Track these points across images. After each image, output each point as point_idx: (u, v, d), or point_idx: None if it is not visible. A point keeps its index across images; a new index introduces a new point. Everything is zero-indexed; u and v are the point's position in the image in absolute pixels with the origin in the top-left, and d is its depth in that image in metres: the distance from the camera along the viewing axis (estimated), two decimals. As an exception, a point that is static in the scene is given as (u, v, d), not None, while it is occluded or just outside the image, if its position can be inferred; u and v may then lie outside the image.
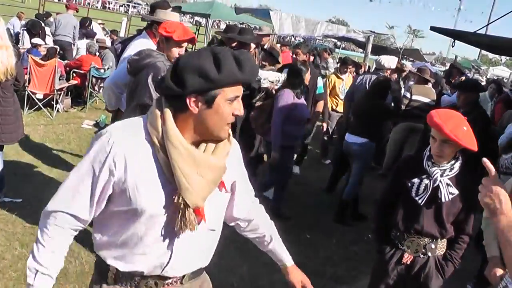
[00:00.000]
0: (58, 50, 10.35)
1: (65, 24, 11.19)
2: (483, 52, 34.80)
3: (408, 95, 7.62)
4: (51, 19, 13.44)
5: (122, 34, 18.14)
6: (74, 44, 11.29)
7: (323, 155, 8.96)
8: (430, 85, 8.06)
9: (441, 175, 2.93)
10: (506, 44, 6.13)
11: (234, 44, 6.65)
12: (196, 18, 27.05)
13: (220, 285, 4.31)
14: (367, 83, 6.81)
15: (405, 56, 25.58)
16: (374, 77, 6.86)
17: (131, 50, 4.35)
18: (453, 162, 2.95)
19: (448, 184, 2.95)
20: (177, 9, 9.01)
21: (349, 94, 7.36)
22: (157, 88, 1.91)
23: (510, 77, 26.61)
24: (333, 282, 4.72)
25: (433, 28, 5.80)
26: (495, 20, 6.85)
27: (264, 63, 7.40)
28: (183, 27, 3.94)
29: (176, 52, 3.92)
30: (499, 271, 3.04)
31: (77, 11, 12.74)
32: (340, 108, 8.33)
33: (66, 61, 10.19)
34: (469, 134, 2.78)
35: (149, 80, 3.69)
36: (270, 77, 6.18)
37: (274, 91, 6.03)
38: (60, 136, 7.75)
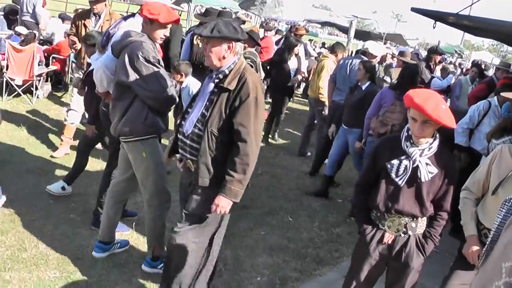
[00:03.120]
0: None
1: (27, 2, 10.72)
2: (466, 37, 35.08)
3: (388, 79, 7.63)
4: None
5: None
6: (38, 24, 10.64)
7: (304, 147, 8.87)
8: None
9: (420, 155, 2.95)
10: (489, 26, 6.13)
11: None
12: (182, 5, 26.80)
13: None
14: (348, 66, 6.82)
15: (388, 41, 25.63)
16: (355, 61, 6.87)
17: (120, 32, 4.32)
18: (431, 141, 2.97)
19: (427, 164, 2.97)
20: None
21: (332, 76, 7.38)
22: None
23: (493, 61, 26.83)
24: (315, 264, 4.74)
25: (414, 9, 5.78)
26: (476, 1, 6.86)
27: (244, 45, 7.39)
28: (167, 8, 3.91)
29: (161, 33, 3.91)
30: (476, 249, 3.10)
31: None
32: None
33: (45, 46, 9.98)
34: (448, 112, 2.82)
35: (126, 58, 3.71)
36: None
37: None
38: (40, 123, 7.66)
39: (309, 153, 8.48)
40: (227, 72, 3.24)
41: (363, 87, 6.19)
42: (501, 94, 3.38)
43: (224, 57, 3.22)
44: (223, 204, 3.24)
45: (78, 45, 6.63)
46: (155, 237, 4.11)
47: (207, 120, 3.24)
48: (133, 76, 3.71)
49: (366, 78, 6.18)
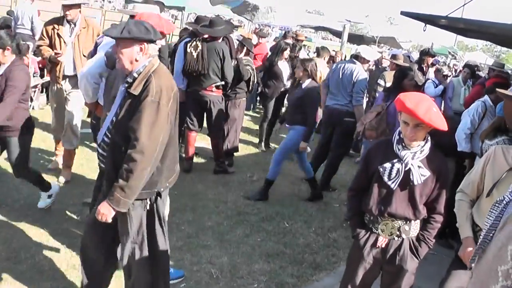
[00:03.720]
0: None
1: (22, 15, 10.72)
2: (459, 38, 35.14)
3: (382, 82, 7.66)
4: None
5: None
6: (34, 37, 10.63)
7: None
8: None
9: (412, 158, 2.97)
10: (481, 27, 6.16)
11: (206, 36, 6.66)
12: (172, 11, 26.87)
13: (200, 275, 4.34)
14: (341, 70, 6.85)
15: (381, 44, 25.70)
16: (348, 65, 6.89)
17: (108, 40, 4.30)
18: (423, 144, 2.99)
19: (419, 167, 2.98)
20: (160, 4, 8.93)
21: (325, 81, 7.40)
22: None
23: (486, 62, 26.93)
24: (312, 270, 4.75)
25: (404, 13, 5.80)
26: (468, 2, 6.89)
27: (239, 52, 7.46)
28: (165, 20, 3.94)
29: (158, 44, 3.92)
30: (472, 251, 3.10)
31: (32, 0, 11.81)
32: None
33: (39, 58, 9.99)
34: (439, 115, 2.84)
35: None
36: None
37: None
38: (35, 134, 7.62)
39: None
40: (136, 76, 3.08)
41: (303, 85, 6.22)
42: (498, 90, 3.38)
43: (136, 60, 3.07)
44: (103, 210, 3.03)
45: (62, 58, 5.87)
46: None
47: (112, 128, 3.15)
48: None
49: (305, 76, 6.22)
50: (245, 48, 7.47)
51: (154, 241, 3.34)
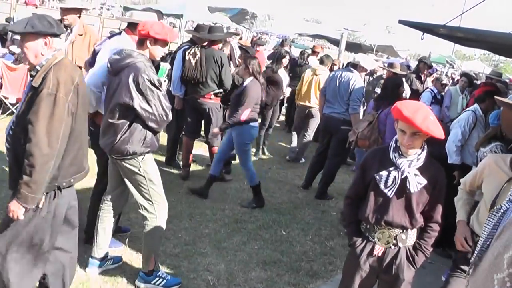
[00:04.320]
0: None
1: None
2: (457, 47, 35.27)
3: (378, 90, 7.69)
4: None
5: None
6: None
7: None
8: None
9: (409, 166, 2.97)
10: (479, 36, 6.18)
11: (205, 44, 6.70)
12: (170, 19, 26.92)
13: (197, 283, 4.34)
14: (338, 79, 6.88)
15: (379, 53, 25.78)
16: (345, 73, 6.91)
17: (107, 48, 4.33)
18: (419, 152, 2.99)
19: (416, 175, 2.99)
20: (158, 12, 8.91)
21: (323, 89, 7.44)
22: None
23: (484, 71, 27.01)
24: (309, 278, 4.75)
25: (401, 22, 5.81)
26: (467, 11, 6.92)
27: (239, 60, 7.48)
28: (168, 27, 3.97)
29: (161, 52, 3.97)
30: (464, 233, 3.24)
31: (36, 7, 11.89)
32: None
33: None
34: (436, 123, 2.86)
35: (130, 80, 3.70)
36: None
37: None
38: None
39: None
40: (38, 69, 3.08)
41: (245, 83, 6.24)
42: (496, 98, 3.39)
43: (42, 54, 3.07)
44: (13, 207, 2.99)
45: None
46: (152, 250, 4.12)
47: (15, 120, 3.15)
48: (137, 99, 3.71)
49: (247, 73, 6.21)
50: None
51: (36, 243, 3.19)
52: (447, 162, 5.32)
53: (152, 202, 4.02)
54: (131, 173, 3.96)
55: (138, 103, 3.72)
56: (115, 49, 4.07)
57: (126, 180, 4.03)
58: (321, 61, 9.24)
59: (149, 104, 3.75)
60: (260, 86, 6.19)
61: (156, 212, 4.04)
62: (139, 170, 3.93)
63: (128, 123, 3.80)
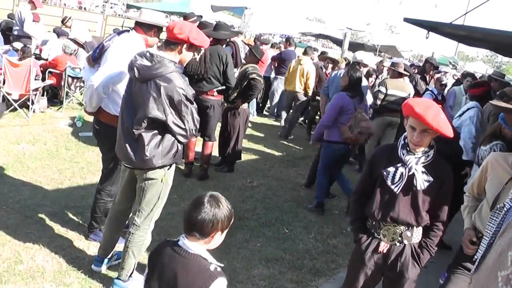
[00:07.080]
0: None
1: (18, 18, 10.68)
2: (460, 48, 35.27)
3: (383, 89, 7.68)
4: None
5: (98, 33, 17.96)
6: (30, 38, 10.55)
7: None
8: (406, 79, 8.16)
9: (416, 163, 2.97)
10: (484, 35, 6.18)
11: (210, 40, 6.68)
12: (173, 17, 26.94)
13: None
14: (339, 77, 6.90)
15: (382, 53, 25.76)
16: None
17: (118, 46, 4.24)
18: (427, 149, 2.99)
19: (423, 172, 2.98)
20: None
21: (325, 88, 7.43)
22: None
23: (487, 72, 26.95)
24: (312, 275, 4.75)
25: (406, 20, 5.81)
26: (471, 10, 6.92)
27: (244, 61, 7.48)
28: (203, 33, 3.82)
29: (190, 58, 3.83)
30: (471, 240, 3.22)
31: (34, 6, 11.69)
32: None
33: (41, 61, 10.02)
34: (446, 121, 2.85)
35: (163, 93, 3.50)
36: None
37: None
38: (37, 137, 7.65)
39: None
40: None
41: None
42: (491, 102, 3.43)
43: None
44: None
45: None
46: (133, 257, 3.95)
47: None
48: (171, 115, 3.55)
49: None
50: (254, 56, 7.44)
51: None
52: (453, 159, 5.37)
53: (151, 213, 3.87)
54: (151, 181, 3.78)
55: (171, 119, 3.56)
56: (127, 48, 4.04)
57: (140, 184, 3.83)
58: (305, 52, 10.81)
59: (181, 120, 3.60)
60: None
61: (151, 223, 3.93)
62: (161, 180, 3.78)
63: (160, 137, 3.64)
